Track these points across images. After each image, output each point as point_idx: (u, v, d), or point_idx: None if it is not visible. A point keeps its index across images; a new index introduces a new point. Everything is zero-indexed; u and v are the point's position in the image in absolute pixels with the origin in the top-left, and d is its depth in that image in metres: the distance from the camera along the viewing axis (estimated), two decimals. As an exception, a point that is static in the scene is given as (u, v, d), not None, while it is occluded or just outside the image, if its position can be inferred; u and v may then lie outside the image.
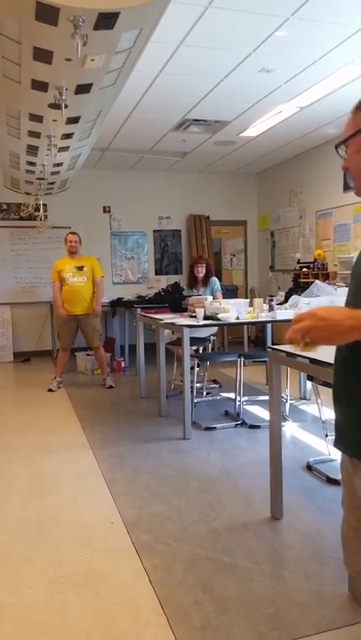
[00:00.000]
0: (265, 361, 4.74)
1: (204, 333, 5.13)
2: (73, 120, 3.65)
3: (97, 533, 2.61)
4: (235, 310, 4.33)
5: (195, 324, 4.20)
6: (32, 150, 4.42)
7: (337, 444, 1.27)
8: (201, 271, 5.72)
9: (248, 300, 4.87)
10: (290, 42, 4.00)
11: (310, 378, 3.48)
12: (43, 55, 2.62)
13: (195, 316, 4.38)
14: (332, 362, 2.23)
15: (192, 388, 4.74)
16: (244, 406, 4.79)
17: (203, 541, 2.50)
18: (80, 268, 5.81)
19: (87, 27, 2.30)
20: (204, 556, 2.38)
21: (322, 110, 5.66)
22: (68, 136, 4.04)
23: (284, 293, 6.18)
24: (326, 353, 2.39)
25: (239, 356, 4.68)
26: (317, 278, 6.49)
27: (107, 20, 2.28)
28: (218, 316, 4.25)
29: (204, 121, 6.02)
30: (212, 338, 5.39)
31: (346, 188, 6.66)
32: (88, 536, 2.59)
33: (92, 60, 2.66)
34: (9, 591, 2.15)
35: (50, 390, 5.73)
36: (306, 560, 2.32)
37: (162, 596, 2.08)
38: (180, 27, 3.75)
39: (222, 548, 2.43)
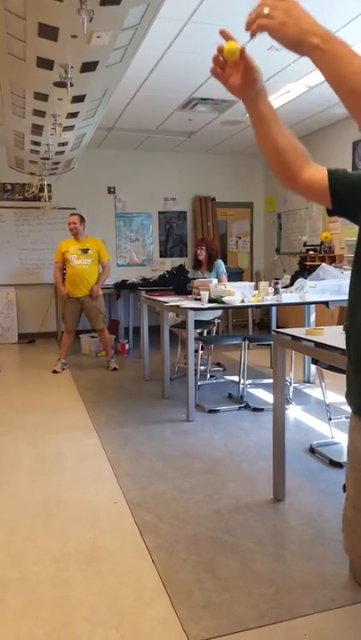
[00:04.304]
0: (269, 344, 4.74)
1: (208, 316, 5.12)
2: (78, 99, 3.60)
3: (101, 513, 2.65)
4: (240, 293, 4.31)
5: (199, 306, 4.19)
6: (37, 129, 4.37)
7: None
8: (201, 254, 5.67)
9: (253, 283, 4.86)
10: (300, 19, 3.90)
11: (315, 361, 3.48)
12: (48, 32, 2.57)
13: (199, 299, 4.37)
14: (338, 346, 2.22)
15: (196, 370, 4.75)
16: (248, 389, 4.80)
17: (205, 521, 2.53)
18: (85, 251, 5.78)
19: (93, 2, 2.25)
20: (207, 535, 2.41)
21: (331, 90, 5.55)
22: (73, 115, 3.99)
23: (289, 276, 6.16)
24: (331, 337, 2.39)
25: (244, 339, 4.68)
26: (324, 261, 6.45)
27: (113, -5, 2.23)
28: (223, 298, 4.23)
29: (211, 100, 5.93)
30: (216, 321, 5.39)
31: (354, 169, 6.57)
32: (92, 516, 2.62)
33: (99, 36, 2.60)
34: (14, 568, 2.19)
35: (54, 372, 5.77)
36: (307, 541, 2.34)
37: (164, 574, 2.11)
38: (188, 3, 3.67)
39: (225, 529, 2.46)
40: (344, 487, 1.34)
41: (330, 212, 1.31)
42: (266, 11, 0.93)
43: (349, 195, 1.24)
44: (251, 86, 1.19)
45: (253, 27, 0.97)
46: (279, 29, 0.94)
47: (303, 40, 0.92)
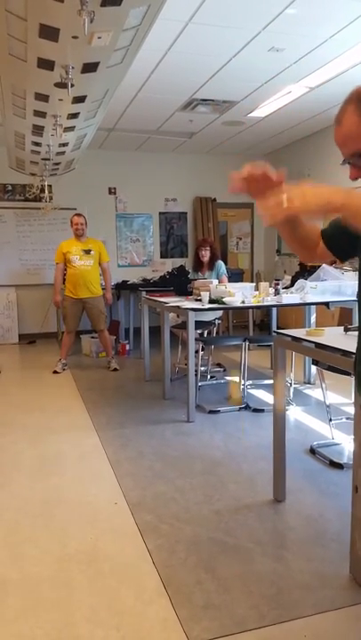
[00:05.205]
0: (270, 345, 4.74)
1: (209, 317, 5.12)
2: (79, 99, 3.60)
3: (101, 513, 2.65)
4: (240, 294, 4.32)
5: (200, 307, 4.20)
6: (37, 130, 4.38)
7: None
8: (205, 255, 5.68)
9: (254, 284, 4.86)
10: (300, 20, 3.91)
11: (315, 362, 3.48)
12: (49, 32, 2.58)
13: (200, 300, 4.37)
14: (338, 347, 2.22)
15: (196, 371, 4.75)
16: (249, 390, 4.80)
17: (206, 522, 2.53)
18: (87, 252, 5.78)
19: (94, 3, 2.25)
20: (207, 536, 2.41)
21: (332, 91, 5.56)
22: (73, 116, 3.99)
23: (290, 277, 6.15)
24: (332, 338, 2.39)
25: (244, 340, 4.68)
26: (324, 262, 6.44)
27: (114, -4, 2.24)
28: (223, 299, 4.23)
29: (212, 101, 5.93)
30: (217, 321, 5.39)
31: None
32: (92, 516, 2.62)
33: (99, 37, 2.61)
34: (15, 568, 2.19)
35: (55, 372, 5.77)
36: (308, 542, 2.34)
37: (165, 575, 2.11)
38: (189, 4, 3.67)
39: (225, 529, 2.46)
40: (356, 488, 1.33)
41: (342, 260, 1.51)
42: (285, 199, 0.99)
43: (340, 240, 1.38)
44: None
45: (280, 216, 1.03)
46: (303, 209, 1.00)
47: (328, 208, 1.00)
